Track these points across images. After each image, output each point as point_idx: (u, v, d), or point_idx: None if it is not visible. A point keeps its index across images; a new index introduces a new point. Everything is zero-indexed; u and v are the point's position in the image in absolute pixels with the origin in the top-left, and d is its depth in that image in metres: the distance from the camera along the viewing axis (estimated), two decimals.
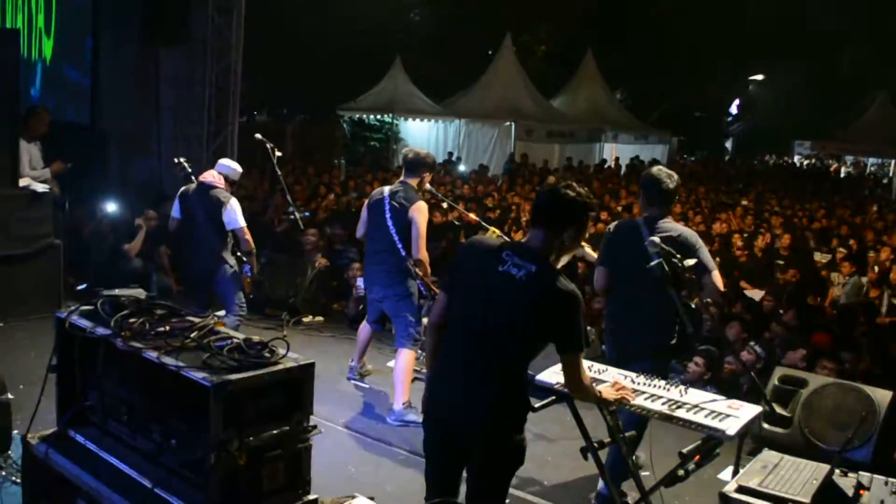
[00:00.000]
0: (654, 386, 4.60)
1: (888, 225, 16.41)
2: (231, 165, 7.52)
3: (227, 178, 7.42)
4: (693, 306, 5.41)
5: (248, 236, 7.30)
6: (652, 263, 4.85)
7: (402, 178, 6.86)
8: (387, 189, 6.89)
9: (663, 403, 4.30)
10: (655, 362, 5.06)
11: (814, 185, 25.99)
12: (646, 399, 4.31)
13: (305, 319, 9.37)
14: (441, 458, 3.96)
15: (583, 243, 5.28)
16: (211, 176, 7.40)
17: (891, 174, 30.50)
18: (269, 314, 9.32)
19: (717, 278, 5.36)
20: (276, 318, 9.11)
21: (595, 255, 5.90)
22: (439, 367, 3.93)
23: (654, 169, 5.59)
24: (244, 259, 7.45)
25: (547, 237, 3.74)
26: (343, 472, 5.68)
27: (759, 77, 41.50)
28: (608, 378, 4.46)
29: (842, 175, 34.87)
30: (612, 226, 5.70)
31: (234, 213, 7.22)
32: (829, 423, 6.47)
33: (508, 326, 3.67)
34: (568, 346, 3.69)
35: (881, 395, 6.44)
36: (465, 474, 3.91)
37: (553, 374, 4.33)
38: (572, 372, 3.76)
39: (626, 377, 4.51)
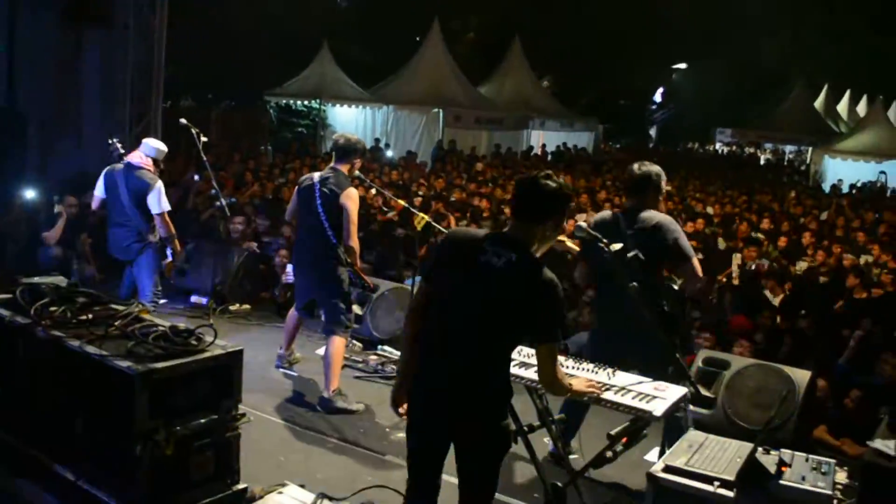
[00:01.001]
0: (583, 369, 4.66)
1: (806, 210, 16.91)
2: (156, 146, 7.47)
3: (153, 160, 7.34)
4: (675, 288, 5.45)
5: (168, 221, 7.25)
6: (630, 254, 4.91)
7: (332, 164, 6.78)
8: (317, 175, 6.80)
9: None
10: (645, 350, 5.10)
11: (734, 171, 26.57)
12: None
13: (232, 308, 9.22)
14: (424, 450, 3.95)
15: (563, 237, 5.28)
16: (138, 157, 7.34)
17: (808, 161, 31.38)
18: (194, 303, 9.16)
19: (695, 265, 5.43)
20: (201, 307, 8.96)
21: (576, 247, 5.89)
22: (421, 357, 3.87)
23: (635, 164, 5.63)
24: (165, 243, 7.35)
25: (528, 228, 3.76)
26: (272, 461, 5.59)
27: (683, 66, 42.28)
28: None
29: (761, 163, 35.75)
30: (592, 219, 5.68)
31: (159, 198, 7.15)
32: (752, 403, 6.65)
33: (488, 315, 3.66)
34: (544, 336, 3.69)
35: (800, 376, 6.64)
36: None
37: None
38: (547, 364, 3.74)
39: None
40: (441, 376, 3.77)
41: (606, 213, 5.65)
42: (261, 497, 2.78)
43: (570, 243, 5.97)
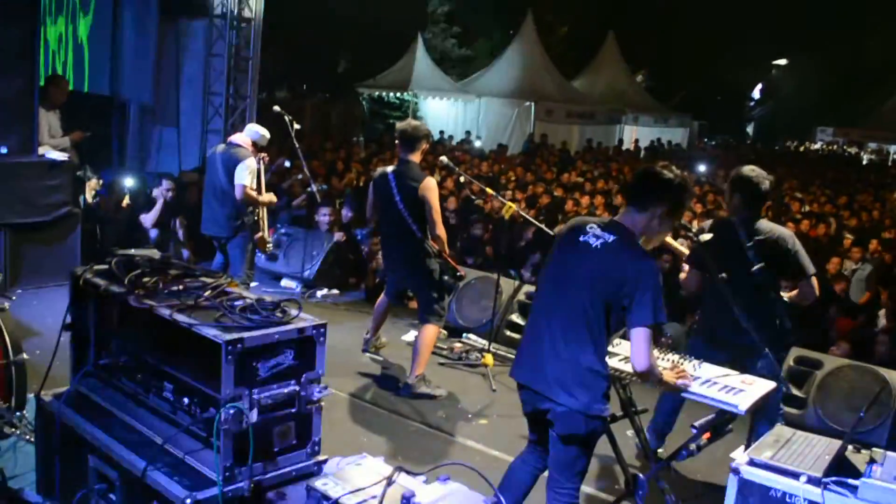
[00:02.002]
0: (667, 360, 4.59)
1: None
2: (259, 131, 7.70)
3: (254, 143, 7.56)
4: (787, 300, 5.39)
5: (248, 194, 7.38)
6: (754, 268, 5.05)
7: (402, 156, 6.64)
8: (390, 169, 6.67)
9: None
10: (761, 359, 5.02)
11: (836, 171, 25.72)
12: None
13: (320, 292, 9.38)
14: (532, 421, 4.12)
15: (669, 239, 5.22)
16: (239, 137, 7.60)
17: None
18: (284, 286, 9.36)
19: (813, 283, 5.33)
20: (292, 291, 9.15)
21: (684, 249, 5.81)
22: (524, 337, 4.06)
23: (747, 169, 5.41)
24: (255, 218, 7.54)
25: (637, 215, 3.80)
26: (355, 441, 5.70)
27: (783, 61, 41.12)
28: (621, 352, 4.43)
29: (864, 162, 34.51)
30: (707, 224, 5.51)
31: (245, 171, 7.31)
32: (844, 404, 6.47)
33: (582, 296, 3.72)
34: (638, 318, 3.66)
35: None
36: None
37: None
38: (640, 347, 3.70)
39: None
40: (538, 350, 3.85)
41: (721, 221, 5.50)
42: (342, 467, 2.83)
43: (676, 245, 5.85)
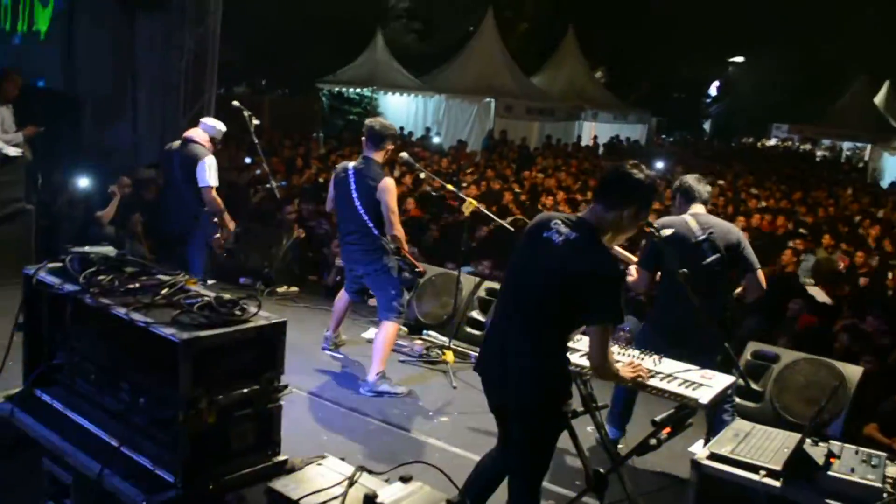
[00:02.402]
0: (628, 355, 4.62)
1: (863, 208, 16.55)
2: (215, 125, 7.58)
3: (211, 139, 7.46)
4: (735, 295, 5.49)
5: (215, 196, 7.29)
6: (709, 259, 5.15)
7: (365, 153, 6.60)
8: (350, 165, 6.65)
9: None
10: (711, 354, 5.08)
11: (791, 168, 26.09)
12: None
13: (280, 290, 9.29)
14: (498, 417, 4.10)
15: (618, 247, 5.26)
16: (195, 133, 7.48)
17: (866, 158, 30.71)
18: (243, 284, 9.26)
19: (760, 277, 5.41)
20: (250, 288, 9.05)
21: (630, 256, 5.84)
22: (487, 332, 4.08)
23: (691, 178, 5.64)
24: (214, 220, 7.44)
25: (604, 213, 3.78)
26: (315, 439, 5.64)
27: (739, 59, 41.60)
28: (581, 347, 4.44)
29: (817, 159, 35.05)
30: (661, 220, 5.52)
31: (207, 171, 7.23)
32: (800, 397, 6.56)
33: (542, 291, 3.72)
34: (597, 316, 3.67)
35: (852, 371, 6.53)
36: None
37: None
38: (599, 346, 3.71)
39: None
40: (501, 346, 3.85)
41: (675, 218, 5.55)
42: (300, 468, 2.78)
43: (622, 251, 5.87)
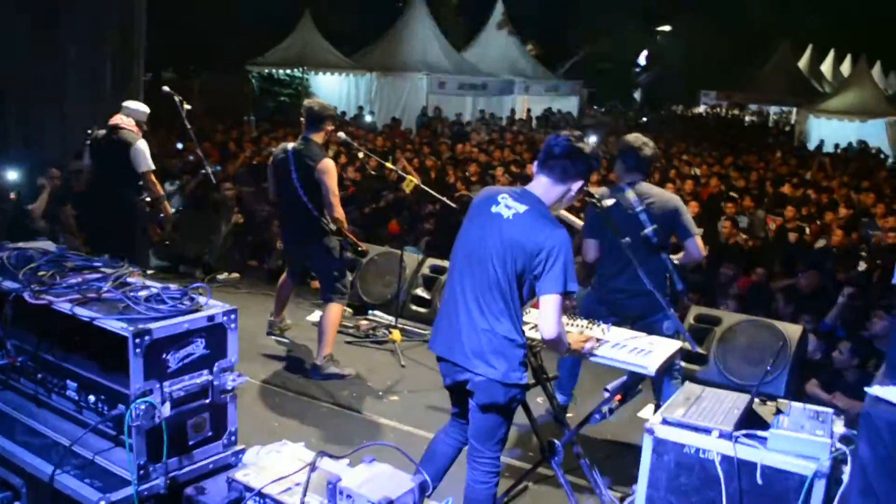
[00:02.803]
0: (576, 325, 4.66)
1: (792, 170, 16.93)
2: (139, 107, 7.47)
3: (137, 122, 7.31)
4: (677, 263, 5.53)
5: (155, 181, 7.17)
6: (647, 229, 5.22)
7: (304, 134, 6.53)
8: (290, 146, 6.56)
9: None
10: (654, 320, 5.16)
11: (720, 133, 26.52)
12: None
13: (221, 276, 9.17)
14: (453, 394, 4.14)
15: (564, 211, 5.28)
16: (119, 119, 7.33)
17: (792, 122, 31.39)
18: (183, 272, 9.11)
19: (699, 243, 5.48)
20: (190, 276, 8.91)
21: (576, 219, 5.87)
22: (440, 309, 4.05)
23: (630, 137, 5.62)
24: (153, 206, 7.30)
25: (550, 185, 3.80)
26: (266, 426, 5.60)
27: (666, 28, 42.08)
28: (530, 320, 4.46)
29: (745, 124, 35.72)
30: (600, 191, 5.53)
31: (142, 155, 7.10)
32: (743, 358, 6.71)
33: (495, 266, 3.73)
34: (548, 286, 3.68)
35: (792, 331, 6.70)
36: None
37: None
38: (549, 315, 3.73)
39: None
40: (454, 322, 3.86)
41: (615, 188, 5.60)
42: (261, 456, 2.75)
43: (572, 216, 5.92)
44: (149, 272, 7.67)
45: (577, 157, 3.77)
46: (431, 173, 13.13)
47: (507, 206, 3.75)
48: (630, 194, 5.38)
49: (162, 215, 7.40)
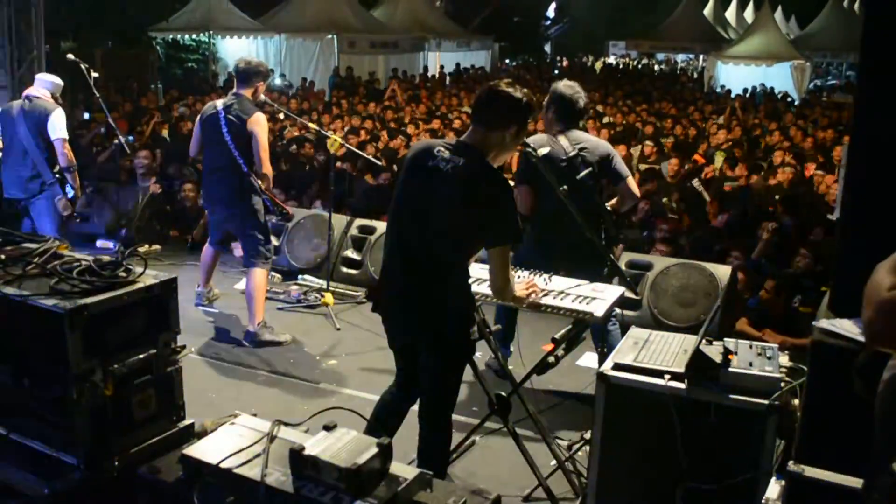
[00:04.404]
0: (518, 276, 4.62)
1: (705, 116, 17.24)
2: (52, 79, 7.29)
3: (52, 94, 7.16)
4: (610, 208, 5.56)
5: (68, 149, 6.94)
6: (581, 174, 5.23)
7: (234, 90, 6.51)
8: (220, 102, 6.52)
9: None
10: (592, 267, 5.09)
11: (631, 83, 26.81)
12: None
13: (141, 249, 8.84)
14: (399, 355, 4.05)
15: None
16: (35, 90, 7.13)
17: (699, 69, 31.94)
18: (101, 248, 8.78)
19: (632, 184, 5.55)
20: (109, 251, 8.59)
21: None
22: (383, 271, 3.95)
23: (562, 85, 5.57)
24: (65, 178, 7.03)
25: (486, 134, 3.71)
26: (203, 399, 5.43)
27: None
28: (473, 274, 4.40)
29: (655, 73, 36.20)
30: (532, 139, 5.54)
31: (59, 122, 6.96)
32: (676, 301, 6.81)
33: (439, 222, 3.64)
34: (495, 238, 3.64)
35: (722, 272, 6.81)
36: None
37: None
38: (500, 268, 3.70)
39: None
40: (399, 283, 3.78)
41: (543, 136, 5.58)
42: (213, 430, 2.62)
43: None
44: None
45: (509, 104, 3.70)
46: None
47: (444, 159, 3.65)
48: (563, 140, 5.36)
49: (70, 187, 7.09)
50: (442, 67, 26.97)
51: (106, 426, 2.69)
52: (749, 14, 35.94)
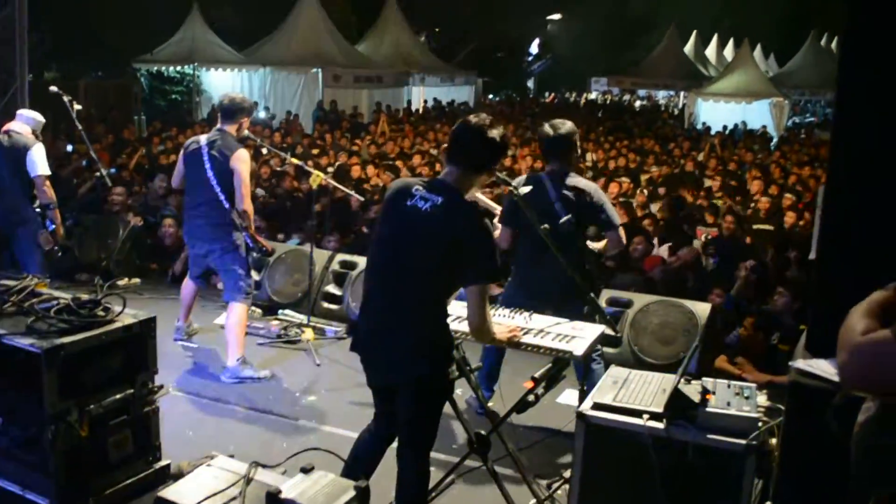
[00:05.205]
0: (498, 315, 4.62)
1: (684, 152, 17.40)
2: (33, 115, 7.29)
3: (32, 130, 7.18)
4: (596, 250, 5.59)
5: (49, 186, 6.93)
6: (563, 220, 5.18)
7: (218, 126, 6.52)
8: (203, 138, 6.54)
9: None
10: (573, 306, 5.10)
11: (613, 119, 27.06)
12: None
13: (121, 283, 8.81)
14: (377, 393, 4.01)
15: (481, 194, 5.23)
16: (15, 125, 7.12)
17: (680, 105, 32.28)
18: (80, 280, 8.71)
19: (621, 234, 5.56)
20: (89, 284, 8.53)
21: (494, 205, 5.84)
22: (362, 309, 3.93)
23: (548, 124, 5.59)
24: (45, 214, 7.01)
25: (463, 174, 3.74)
26: (181, 436, 5.34)
27: (556, 16, 42.69)
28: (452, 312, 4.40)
29: (637, 109, 36.56)
30: (517, 180, 5.55)
31: (39, 159, 6.93)
32: (656, 339, 6.82)
33: (418, 261, 3.64)
34: (474, 276, 3.64)
35: (701, 309, 6.83)
36: None
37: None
38: (478, 306, 3.68)
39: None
40: (378, 321, 3.77)
41: (532, 176, 5.63)
42: (189, 471, 2.59)
43: (489, 201, 5.91)
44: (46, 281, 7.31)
45: (485, 144, 3.73)
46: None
47: (423, 198, 3.67)
48: (548, 183, 5.38)
49: (51, 222, 7.06)
50: (426, 102, 27.17)
51: (81, 467, 2.66)
52: (729, 52, 36.48)
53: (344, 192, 7.62)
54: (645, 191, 11.81)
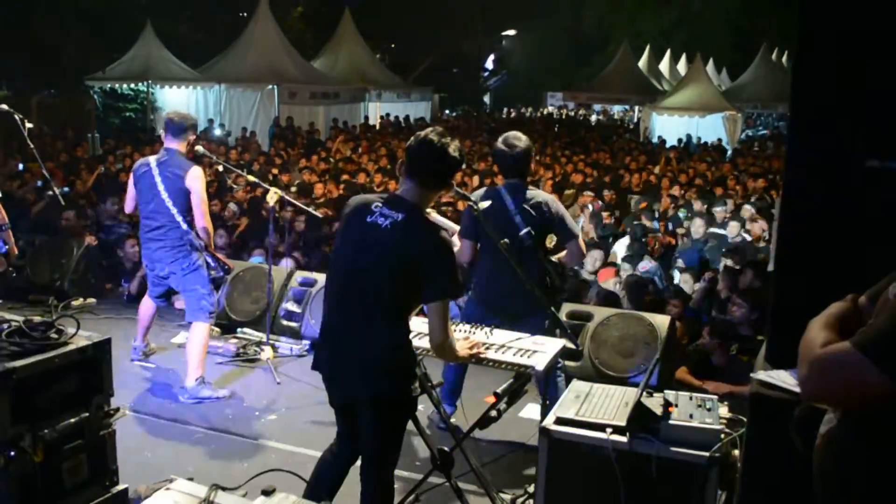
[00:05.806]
0: (460, 331, 4.61)
1: (640, 166, 17.57)
2: None
3: None
4: (557, 261, 5.59)
5: (0, 208, 6.73)
6: (522, 233, 5.23)
7: (166, 146, 6.41)
8: (152, 159, 6.42)
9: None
10: (535, 319, 5.12)
11: (570, 134, 27.28)
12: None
13: (76, 303, 8.65)
14: (340, 412, 3.99)
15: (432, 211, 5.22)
16: None
17: (635, 119, 32.63)
18: (34, 300, 8.54)
19: (581, 244, 5.61)
20: (43, 305, 8.36)
21: (450, 223, 5.81)
22: (322, 327, 3.90)
23: (502, 138, 5.58)
24: None
25: (421, 189, 3.73)
26: (139, 458, 5.27)
27: (511, 32, 43.01)
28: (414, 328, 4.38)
29: (592, 123, 36.89)
30: (476, 193, 5.56)
31: None
32: (616, 351, 6.85)
33: (378, 279, 3.62)
34: (434, 292, 3.62)
35: (660, 321, 6.87)
36: None
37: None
38: (439, 322, 3.66)
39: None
40: (339, 339, 3.74)
41: (491, 189, 5.65)
42: (147, 496, 2.54)
43: (443, 220, 5.89)
44: None
45: (443, 161, 3.72)
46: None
47: (383, 214, 3.65)
48: (507, 196, 5.39)
49: (5, 247, 6.90)
50: (382, 118, 27.17)
51: (35, 494, 2.59)
52: (682, 66, 36.91)
53: (301, 208, 7.55)
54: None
